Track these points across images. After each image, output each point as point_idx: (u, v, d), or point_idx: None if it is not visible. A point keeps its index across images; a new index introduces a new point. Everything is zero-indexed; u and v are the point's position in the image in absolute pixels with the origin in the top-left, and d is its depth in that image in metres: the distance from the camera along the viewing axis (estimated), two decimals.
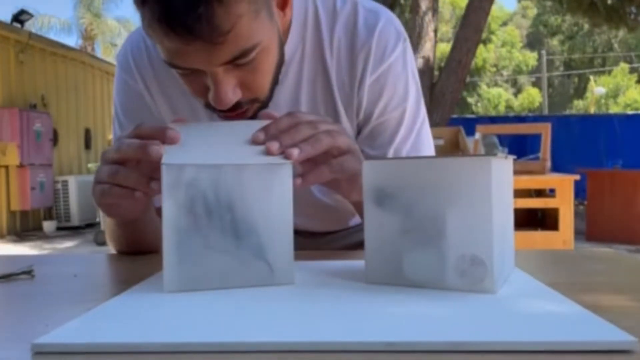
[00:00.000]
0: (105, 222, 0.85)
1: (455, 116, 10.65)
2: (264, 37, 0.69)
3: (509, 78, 27.53)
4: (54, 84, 8.94)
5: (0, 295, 0.61)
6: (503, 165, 0.59)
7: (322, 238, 1.05)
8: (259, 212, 0.59)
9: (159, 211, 0.76)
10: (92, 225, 8.44)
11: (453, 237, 0.55)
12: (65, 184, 8.40)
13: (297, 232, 0.63)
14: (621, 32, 20.06)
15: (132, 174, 0.65)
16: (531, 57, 26.34)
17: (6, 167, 7.68)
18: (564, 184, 4.00)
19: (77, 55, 9.73)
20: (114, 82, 0.94)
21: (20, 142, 7.61)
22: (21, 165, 7.67)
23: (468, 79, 18.74)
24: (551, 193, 4.40)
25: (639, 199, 5.96)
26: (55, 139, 8.58)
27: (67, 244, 7.04)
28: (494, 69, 25.83)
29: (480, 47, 19.69)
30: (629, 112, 17.64)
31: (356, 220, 1.05)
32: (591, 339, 0.40)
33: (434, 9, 7.41)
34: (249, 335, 0.42)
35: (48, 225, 8.15)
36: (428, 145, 0.92)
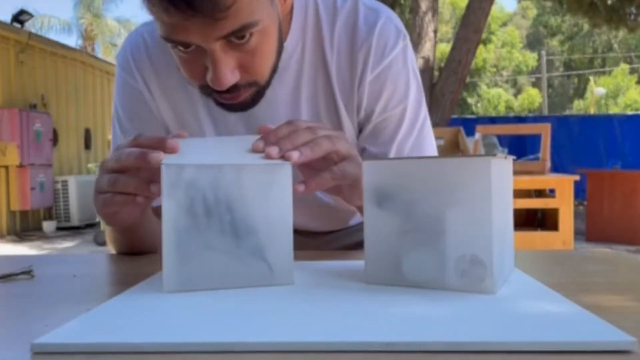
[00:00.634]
0: (105, 227, 0.85)
1: (455, 116, 10.66)
2: (263, 16, 0.69)
3: (508, 78, 27.54)
4: (54, 84, 8.94)
5: (0, 295, 0.61)
6: (503, 166, 0.59)
7: (322, 237, 1.05)
8: (259, 212, 0.59)
9: (156, 211, 0.76)
10: (92, 225, 8.44)
11: (453, 237, 0.55)
12: (65, 184, 8.40)
13: (297, 232, 0.63)
14: (621, 33, 20.08)
15: (132, 180, 0.66)
16: (531, 58, 26.34)
17: (6, 167, 7.68)
18: (564, 185, 4.00)
19: (77, 56, 9.73)
20: (114, 82, 0.94)
21: (20, 142, 7.61)
22: (21, 165, 7.67)
23: (468, 79, 18.76)
24: (551, 193, 4.41)
25: (639, 199, 5.96)
26: (55, 139, 8.58)
27: (67, 244, 7.04)
28: (494, 70, 25.82)
29: (480, 47, 19.70)
30: (629, 112, 17.64)
31: (357, 219, 1.05)
32: (591, 340, 0.40)
33: (434, 9, 7.42)
34: (249, 335, 0.42)
35: (48, 225, 8.15)
36: (430, 143, 0.92)
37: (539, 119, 12.69)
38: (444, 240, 0.55)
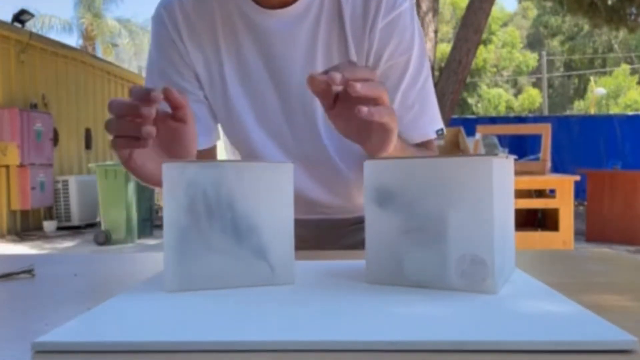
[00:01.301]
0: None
1: (455, 116, 10.66)
2: None
3: (509, 79, 27.54)
4: (55, 83, 8.95)
5: (0, 294, 0.61)
6: (504, 166, 0.59)
7: (325, 232, 1.06)
8: (260, 211, 0.59)
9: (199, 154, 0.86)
10: (92, 225, 8.44)
11: (454, 237, 0.55)
12: (65, 183, 8.40)
13: (297, 222, 0.62)
14: (621, 33, 20.07)
15: (129, 125, 0.69)
16: (531, 58, 26.34)
17: (6, 166, 7.68)
18: (564, 185, 4.00)
19: (77, 55, 9.74)
20: (150, 39, 1.00)
21: (21, 141, 7.61)
22: (21, 165, 7.68)
23: (468, 80, 18.75)
24: (551, 193, 4.41)
25: (639, 200, 5.96)
26: (55, 139, 8.59)
27: (67, 243, 7.05)
28: (494, 70, 25.83)
29: (481, 47, 19.70)
30: (629, 112, 17.64)
31: (358, 205, 1.06)
32: (591, 339, 0.40)
33: (435, 10, 7.41)
34: (249, 334, 0.42)
35: (48, 225, 8.16)
36: (432, 100, 0.99)
37: (539, 119, 12.70)
38: (446, 240, 0.55)
